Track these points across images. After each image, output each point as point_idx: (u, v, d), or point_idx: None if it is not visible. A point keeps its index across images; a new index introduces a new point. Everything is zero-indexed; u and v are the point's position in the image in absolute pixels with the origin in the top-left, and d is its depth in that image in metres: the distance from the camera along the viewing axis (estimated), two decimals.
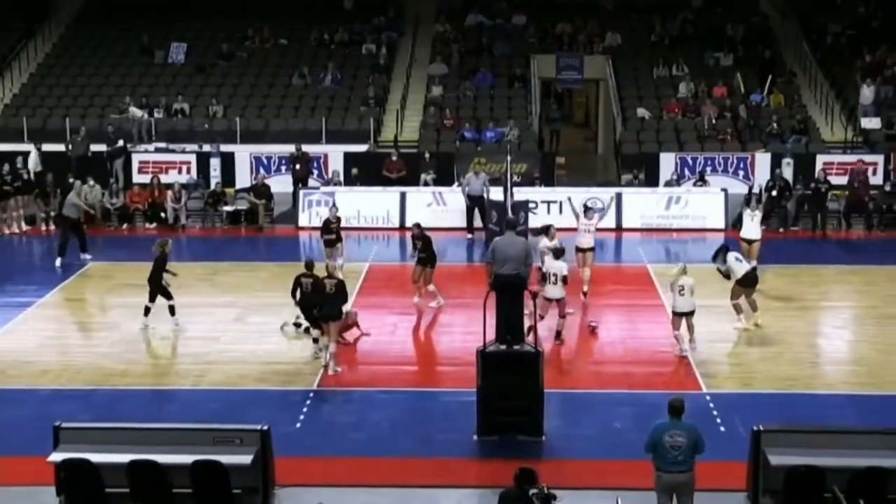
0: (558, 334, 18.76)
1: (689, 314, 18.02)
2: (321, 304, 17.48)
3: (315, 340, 18.09)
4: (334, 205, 24.59)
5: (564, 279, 18.50)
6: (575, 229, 21.66)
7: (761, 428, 12.92)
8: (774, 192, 27.39)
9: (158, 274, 19.44)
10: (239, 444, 12.83)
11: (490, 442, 14.59)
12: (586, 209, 21.55)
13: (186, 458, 12.37)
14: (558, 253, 18.77)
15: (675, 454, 11.53)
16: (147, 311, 19.50)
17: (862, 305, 21.29)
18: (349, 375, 17.47)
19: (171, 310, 19.50)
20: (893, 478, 12.13)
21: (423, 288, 20.74)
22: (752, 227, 22.07)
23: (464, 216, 27.31)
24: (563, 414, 15.41)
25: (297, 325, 18.85)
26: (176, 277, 19.85)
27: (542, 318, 18.42)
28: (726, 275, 19.34)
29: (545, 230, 20.54)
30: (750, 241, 21.79)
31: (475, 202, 27.05)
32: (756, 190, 27.25)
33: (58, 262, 24.13)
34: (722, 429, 14.96)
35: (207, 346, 18.76)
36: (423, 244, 20.78)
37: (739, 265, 19.25)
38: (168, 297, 19.53)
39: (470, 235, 26.96)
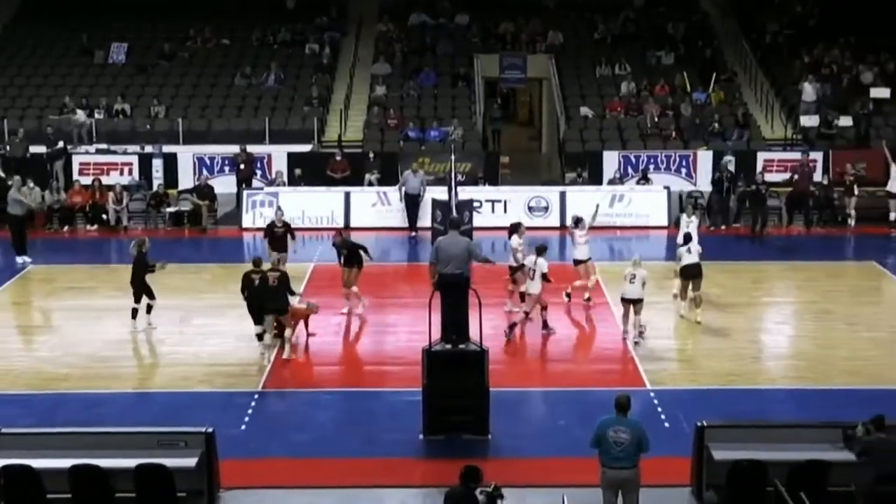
0: (512, 327, 18.98)
1: (636, 302, 18.40)
2: (266, 298, 17.58)
3: (259, 338, 18.02)
4: (279, 208, 24.07)
5: (544, 276, 18.74)
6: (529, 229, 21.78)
7: (705, 423, 13.05)
8: (726, 184, 27.61)
9: (141, 274, 19.19)
10: (183, 446, 12.77)
11: (436, 441, 14.60)
12: (576, 221, 21.48)
13: (130, 462, 12.26)
14: (541, 250, 19.08)
15: (618, 450, 11.62)
16: (134, 312, 19.28)
17: (802, 301, 21.55)
18: (295, 376, 17.40)
19: (149, 308, 19.37)
20: (833, 470, 12.29)
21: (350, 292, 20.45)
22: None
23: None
24: (508, 412, 15.42)
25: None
26: (164, 269, 19.69)
27: (528, 315, 18.99)
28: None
29: (515, 228, 20.60)
30: None
31: (412, 201, 27.04)
32: (695, 192, 27.50)
33: (19, 260, 23.98)
34: (666, 425, 15.09)
35: (150, 348, 18.61)
36: (347, 252, 20.32)
37: (687, 255, 19.54)
38: (140, 298, 19.31)
39: (413, 234, 26.96)
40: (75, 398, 16.39)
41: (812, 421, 13.91)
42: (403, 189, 27.30)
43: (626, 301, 18.57)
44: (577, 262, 21.03)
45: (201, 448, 12.73)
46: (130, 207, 28.33)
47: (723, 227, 27.23)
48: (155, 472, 12.19)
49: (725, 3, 39.17)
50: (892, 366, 17.57)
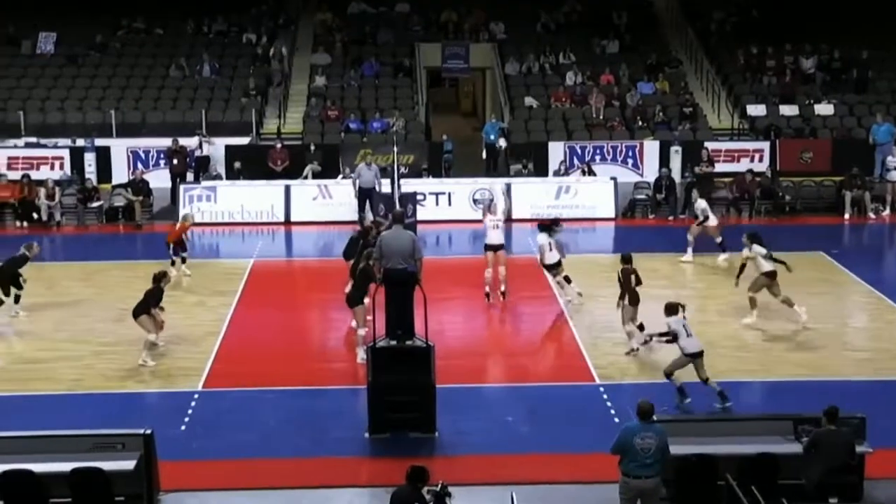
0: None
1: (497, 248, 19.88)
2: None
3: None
4: None
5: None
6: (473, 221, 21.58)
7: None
8: (662, 193, 27.56)
9: (152, 305, 17.52)
10: (121, 449, 12.51)
11: (382, 439, 14.39)
12: (489, 202, 21.32)
13: (65, 466, 12.01)
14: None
15: (645, 457, 11.46)
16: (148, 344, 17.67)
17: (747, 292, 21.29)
18: (236, 375, 17.01)
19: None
20: (783, 463, 12.27)
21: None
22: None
23: (352, 209, 26.78)
24: (455, 409, 15.15)
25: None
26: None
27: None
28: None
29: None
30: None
31: (366, 194, 26.50)
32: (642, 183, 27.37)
33: None
34: (616, 420, 14.89)
35: (84, 348, 18.06)
36: None
37: (766, 260, 18.98)
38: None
39: (360, 229, 26.50)
40: (6, 401, 15.90)
41: (762, 414, 13.96)
42: (357, 183, 26.76)
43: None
44: (488, 248, 20.49)
45: (140, 450, 12.45)
46: (63, 203, 27.66)
47: (670, 219, 26.92)
48: (91, 476, 11.92)
49: None
50: (840, 356, 17.61)
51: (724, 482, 11.93)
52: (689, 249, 23.05)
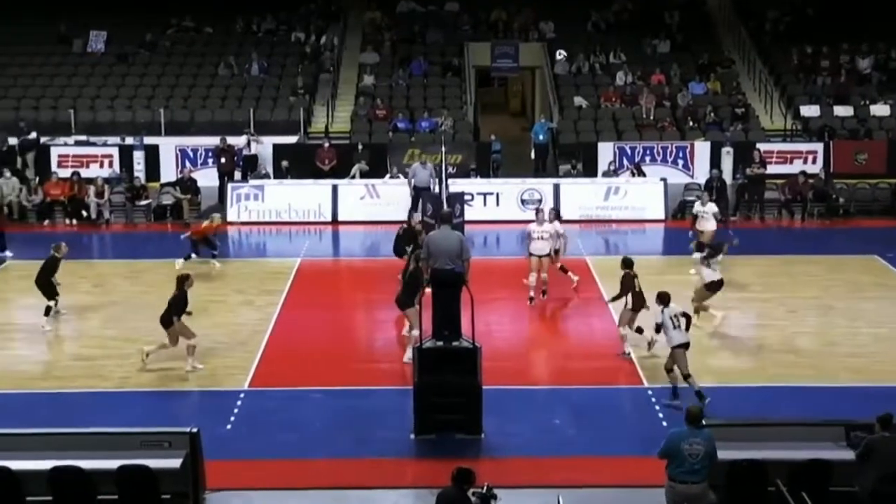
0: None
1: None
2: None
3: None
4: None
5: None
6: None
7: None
8: (713, 194, 27.29)
9: (180, 312, 17.11)
10: (167, 447, 12.50)
11: (427, 441, 14.30)
12: (537, 210, 21.19)
13: (112, 464, 12.01)
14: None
15: (693, 462, 11.34)
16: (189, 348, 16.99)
17: (802, 296, 20.96)
18: (282, 374, 16.99)
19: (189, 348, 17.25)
20: (835, 470, 12.05)
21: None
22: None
23: (399, 208, 26.68)
24: (501, 411, 15.05)
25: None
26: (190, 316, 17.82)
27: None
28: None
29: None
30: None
31: (421, 194, 26.34)
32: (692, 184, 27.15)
33: None
34: (664, 423, 14.73)
35: (131, 346, 17.98)
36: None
37: (712, 272, 18.76)
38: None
39: (406, 226, 26.43)
40: (55, 398, 16.00)
41: (813, 419, 13.62)
42: (413, 182, 26.69)
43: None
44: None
45: (186, 448, 12.45)
46: (112, 201, 27.80)
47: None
48: (138, 474, 11.93)
49: None
50: (895, 362, 17.28)
51: (775, 488, 11.74)
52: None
